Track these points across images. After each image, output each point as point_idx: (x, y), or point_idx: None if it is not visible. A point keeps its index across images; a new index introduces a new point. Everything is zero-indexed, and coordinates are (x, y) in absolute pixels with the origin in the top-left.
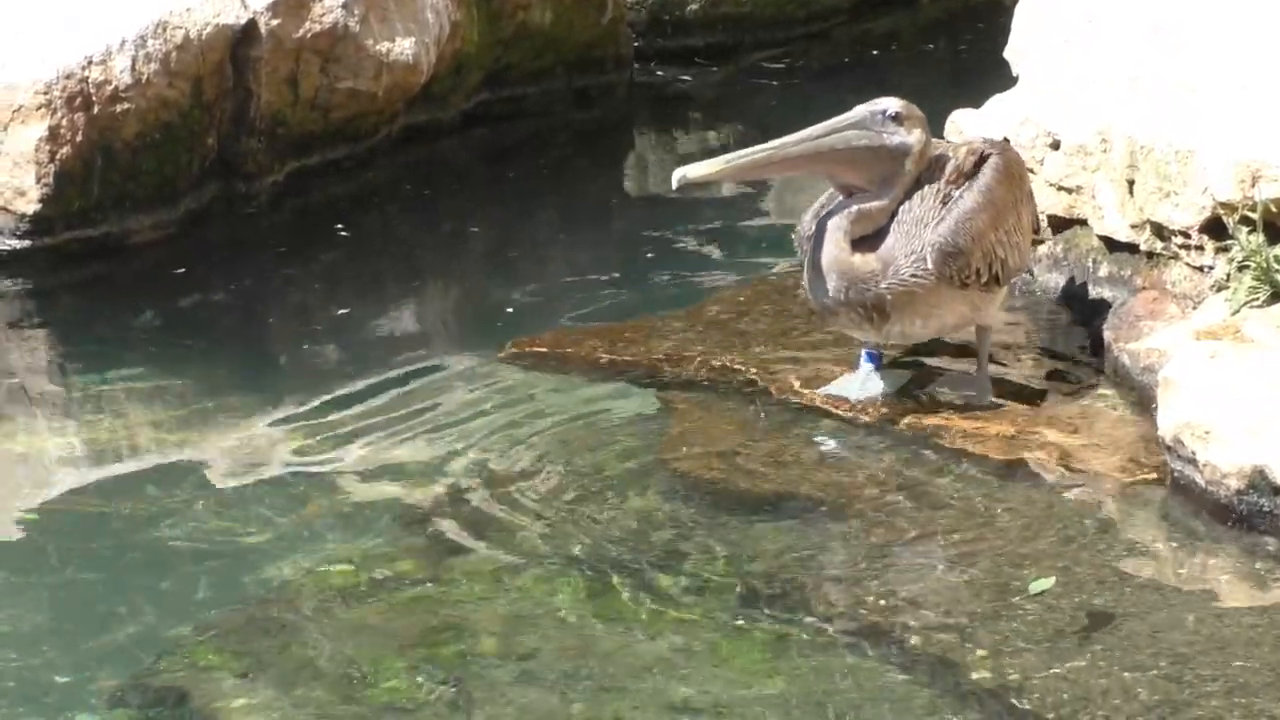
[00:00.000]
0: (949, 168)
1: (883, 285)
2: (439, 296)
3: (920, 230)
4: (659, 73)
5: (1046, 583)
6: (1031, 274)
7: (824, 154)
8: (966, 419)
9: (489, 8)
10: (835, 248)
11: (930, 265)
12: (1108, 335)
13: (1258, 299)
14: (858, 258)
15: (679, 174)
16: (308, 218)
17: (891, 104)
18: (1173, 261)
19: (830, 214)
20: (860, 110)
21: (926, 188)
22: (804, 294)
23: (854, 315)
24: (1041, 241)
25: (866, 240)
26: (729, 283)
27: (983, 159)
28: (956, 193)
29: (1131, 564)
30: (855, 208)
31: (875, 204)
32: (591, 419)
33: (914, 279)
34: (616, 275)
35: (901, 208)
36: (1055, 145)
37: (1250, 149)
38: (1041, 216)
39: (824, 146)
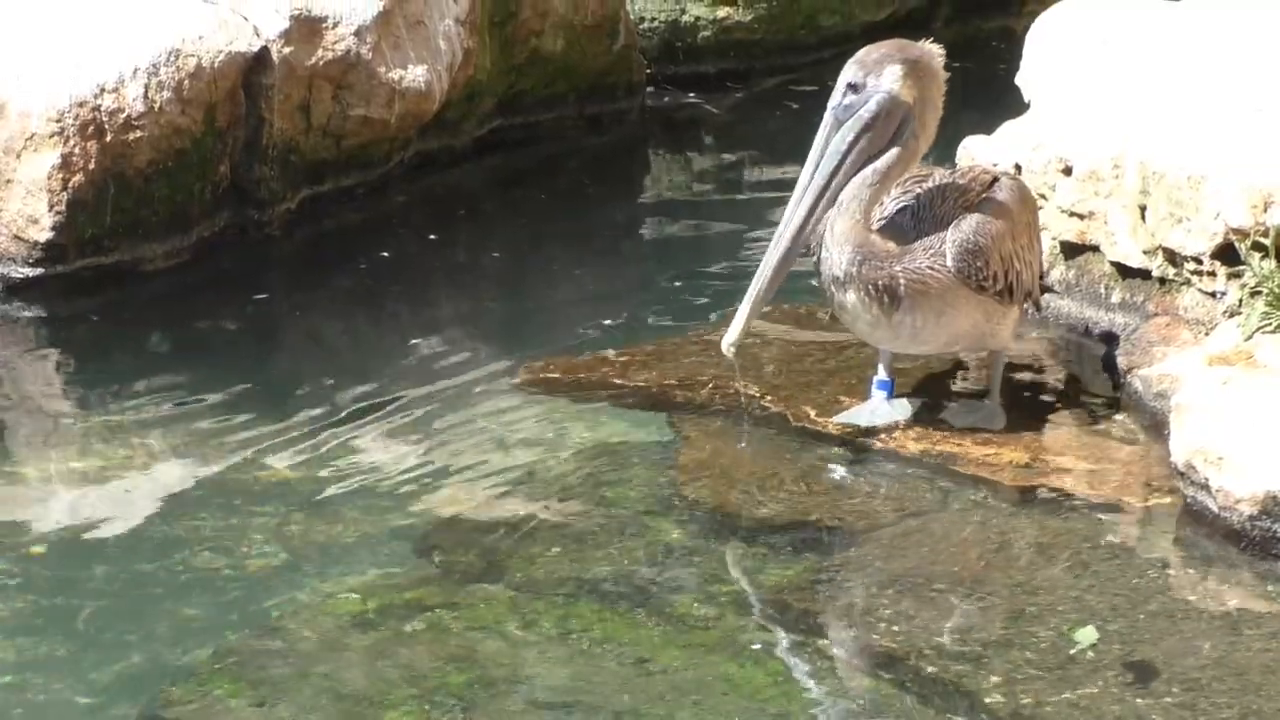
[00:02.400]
0: (968, 176)
1: (897, 268)
2: (452, 322)
3: (940, 229)
4: (670, 98)
5: (1090, 635)
6: (1038, 307)
7: (834, 181)
8: (980, 446)
9: (502, 35)
10: (850, 218)
11: (949, 261)
12: (1120, 361)
13: (1270, 324)
14: (875, 235)
15: (726, 345)
16: (320, 245)
17: (844, 75)
18: (1185, 287)
19: (849, 182)
20: (827, 112)
21: (949, 191)
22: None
23: (865, 295)
24: (1049, 290)
25: (887, 227)
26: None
27: (996, 179)
28: (977, 201)
29: (1145, 590)
30: (871, 169)
31: (889, 155)
32: (604, 445)
33: (930, 270)
34: (629, 301)
35: (923, 205)
36: (1067, 171)
37: (1262, 175)
38: (1054, 242)
39: (826, 176)
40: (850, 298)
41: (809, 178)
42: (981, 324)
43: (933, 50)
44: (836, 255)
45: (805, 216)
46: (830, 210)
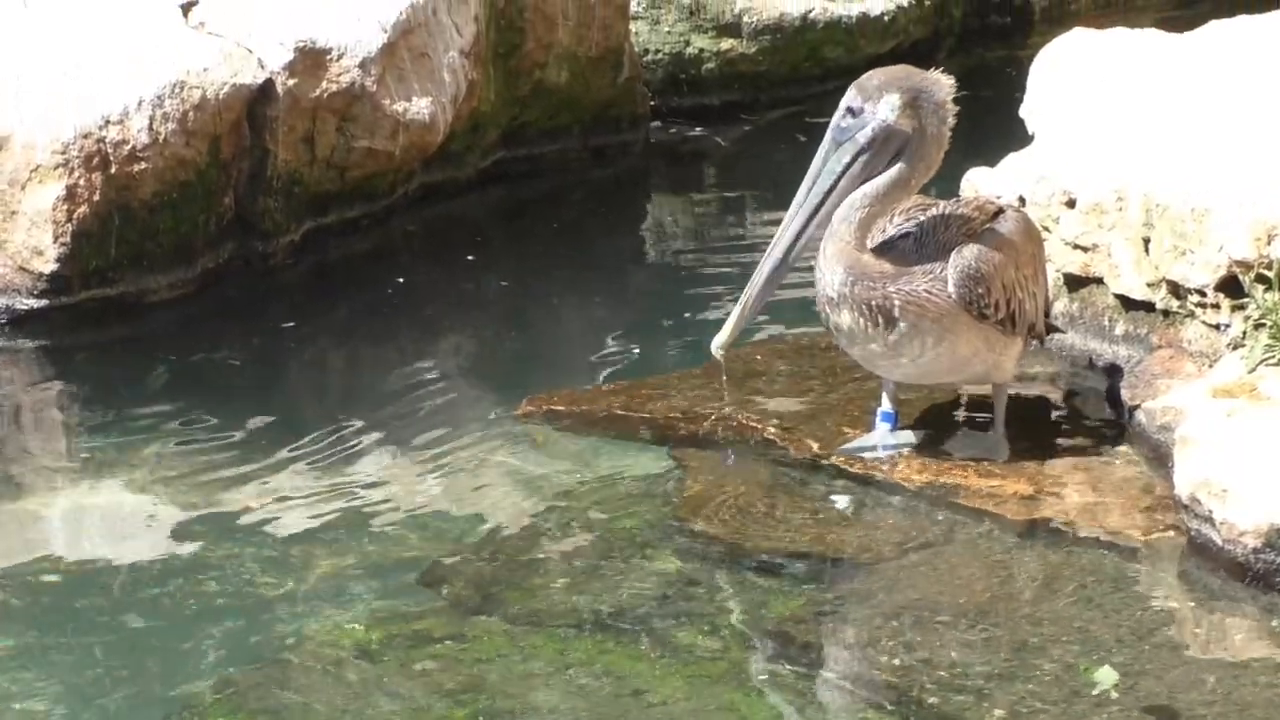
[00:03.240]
0: (972, 206)
1: (891, 288)
2: (455, 354)
3: (942, 255)
4: (674, 130)
5: (1109, 676)
6: (1041, 341)
7: (828, 200)
8: (983, 478)
9: (506, 67)
10: (839, 241)
11: (951, 287)
12: (1124, 393)
13: (1274, 357)
14: (868, 255)
15: (715, 348)
16: (325, 277)
17: (846, 98)
18: (1189, 320)
19: (842, 202)
20: (828, 132)
21: (953, 220)
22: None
23: (859, 315)
24: (1055, 329)
25: (887, 250)
26: (745, 341)
27: (1001, 210)
28: (981, 230)
29: (1149, 622)
30: (861, 192)
31: (881, 179)
32: (608, 476)
33: (928, 294)
34: (633, 332)
35: (926, 231)
36: (1071, 204)
37: (1266, 207)
38: (1058, 275)
39: (820, 195)
40: (845, 318)
41: (804, 195)
42: (983, 353)
43: (940, 81)
44: (829, 276)
45: (797, 232)
46: (823, 230)
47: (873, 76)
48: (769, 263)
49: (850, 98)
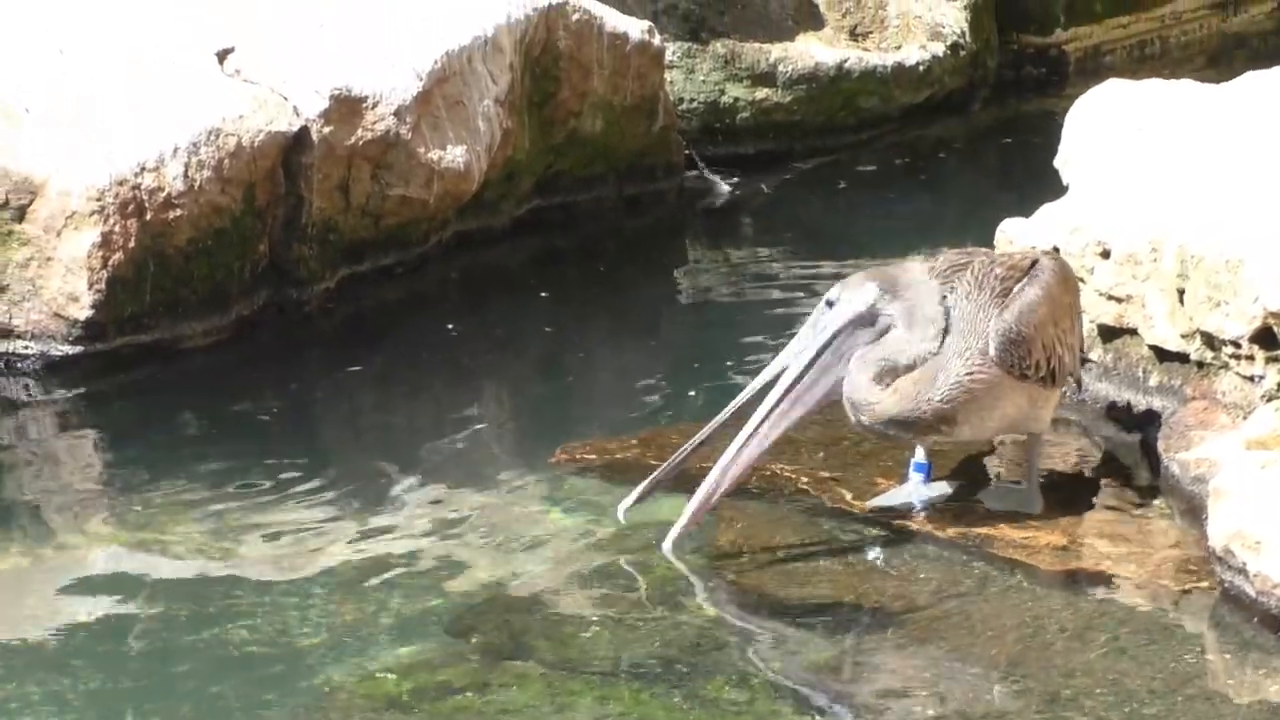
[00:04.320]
0: (1006, 264)
1: (936, 399)
2: (489, 402)
3: (977, 324)
4: (710, 179)
5: None
6: (1079, 386)
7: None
8: (1016, 529)
9: (540, 115)
10: (863, 391)
11: (994, 353)
12: (1158, 445)
13: None
14: (888, 395)
15: (666, 547)
16: (359, 324)
17: (827, 294)
18: (1223, 371)
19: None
20: (804, 327)
21: (985, 281)
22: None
23: (913, 434)
24: (1088, 360)
25: (915, 326)
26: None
27: (1036, 262)
28: (1016, 287)
29: (1183, 674)
30: (874, 370)
31: (904, 359)
32: (639, 525)
33: (969, 377)
34: (666, 382)
35: (959, 297)
36: (1105, 254)
37: None
38: (1092, 325)
39: (786, 388)
40: (907, 439)
41: (776, 399)
42: (1025, 408)
43: (910, 268)
44: (869, 422)
45: (767, 412)
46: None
47: (854, 275)
48: (748, 451)
49: (832, 292)
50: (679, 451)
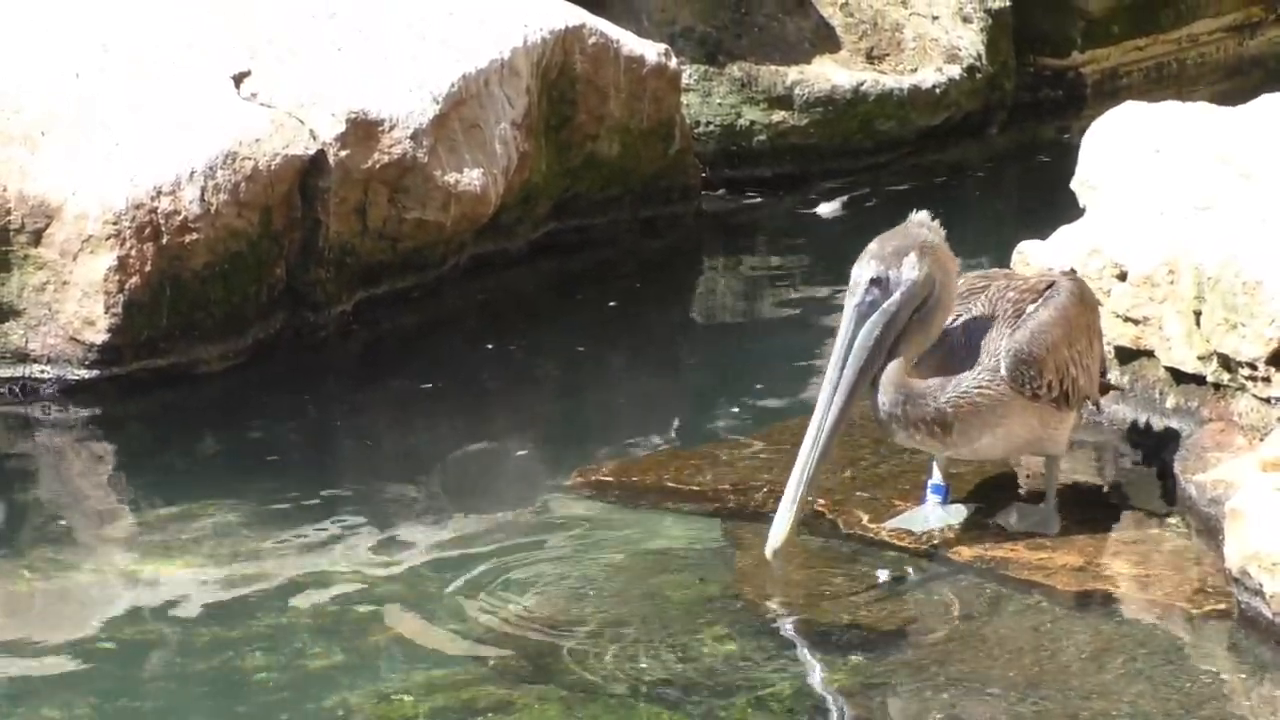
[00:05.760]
0: (1021, 287)
1: (943, 399)
2: (506, 424)
3: (990, 344)
4: (727, 202)
5: None
6: (1098, 407)
7: (861, 380)
8: (1033, 550)
9: (557, 139)
10: (892, 369)
11: (1004, 372)
12: (1175, 466)
13: None
14: (914, 376)
15: (769, 551)
16: (376, 347)
17: (863, 271)
18: (1240, 393)
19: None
20: (848, 309)
21: (1001, 302)
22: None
23: (914, 431)
24: (1111, 387)
25: (930, 357)
26: (795, 413)
27: (1053, 284)
28: (1030, 308)
29: (1199, 695)
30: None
31: (916, 335)
32: (658, 548)
33: (979, 390)
34: (683, 404)
35: (967, 325)
36: (1122, 276)
37: None
38: (1109, 347)
39: (855, 375)
40: (900, 435)
41: (837, 373)
42: (1038, 430)
43: (924, 220)
44: (881, 398)
45: (837, 418)
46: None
47: (883, 245)
48: (817, 451)
49: (872, 269)
50: (802, 474)
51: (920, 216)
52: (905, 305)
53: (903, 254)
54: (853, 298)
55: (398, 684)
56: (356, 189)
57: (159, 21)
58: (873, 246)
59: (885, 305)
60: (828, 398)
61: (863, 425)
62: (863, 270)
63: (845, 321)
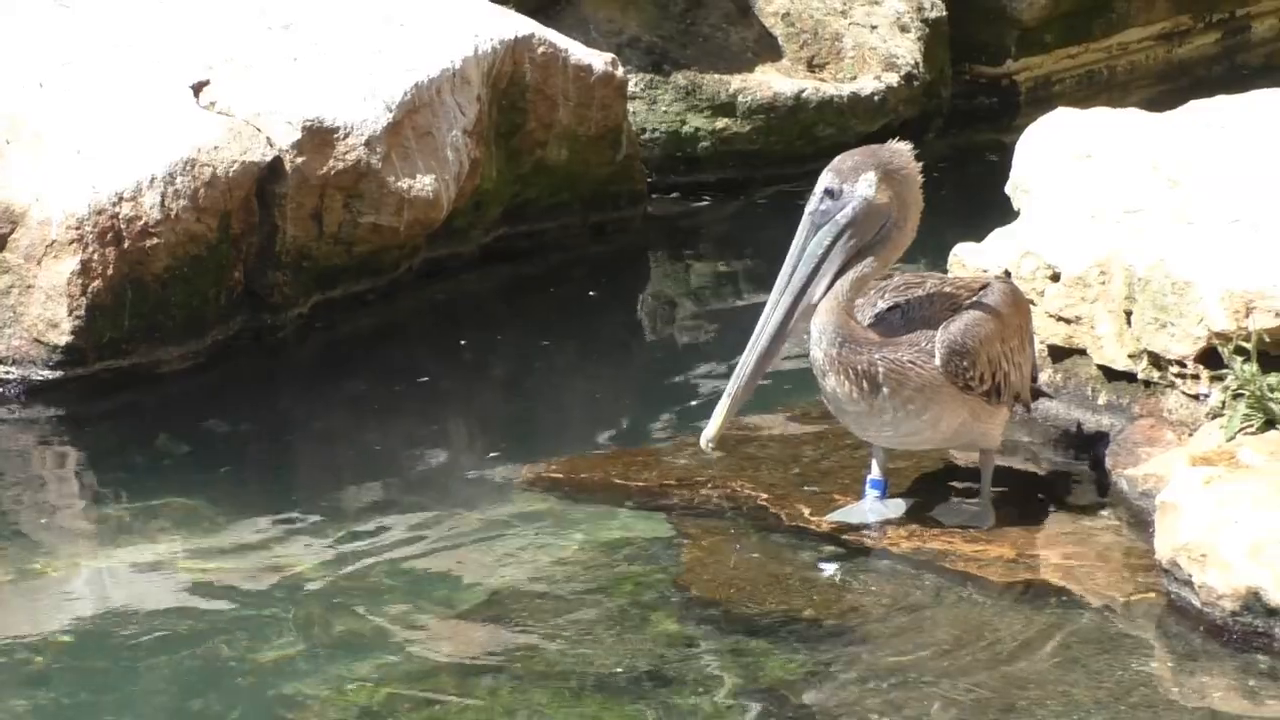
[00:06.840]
0: (957, 284)
1: (876, 355)
2: (458, 424)
3: (929, 329)
4: (674, 206)
5: None
6: (1028, 409)
7: (808, 287)
8: (968, 543)
9: (507, 146)
10: (834, 300)
11: (936, 360)
12: (1107, 461)
13: (1252, 426)
14: (857, 324)
15: (704, 441)
16: (332, 348)
17: (821, 181)
18: (1169, 390)
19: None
20: (805, 217)
21: (939, 297)
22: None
23: (844, 379)
24: (1042, 393)
25: (877, 324)
26: (740, 410)
27: (987, 285)
28: (966, 304)
29: (1129, 683)
30: (852, 275)
31: (870, 257)
32: (606, 542)
33: (911, 364)
34: (631, 404)
35: (914, 306)
36: (1055, 277)
37: (1244, 280)
38: (1042, 346)
39: (803, 280)
40: (830, 382)
41: (785, 280)
42: (970, 423)
43: (903, 150)
44: (817, 337)
45: (782, 318)
46: (808, 319)
47: (845, 159)
48: (754, 353)
49: (827, 180)
50: (742, 371)
51: (898, 145)
52: (859, 223)
53: (860, 170)
54: (808, 206)
55: (353, 674)
56: (312, 195)
57: (120, 33)
58: (836, 159)
59: (836, 217)
60: (774, 302)
61: (803, 420)
62: (821, 179)
63: (800, 228)
